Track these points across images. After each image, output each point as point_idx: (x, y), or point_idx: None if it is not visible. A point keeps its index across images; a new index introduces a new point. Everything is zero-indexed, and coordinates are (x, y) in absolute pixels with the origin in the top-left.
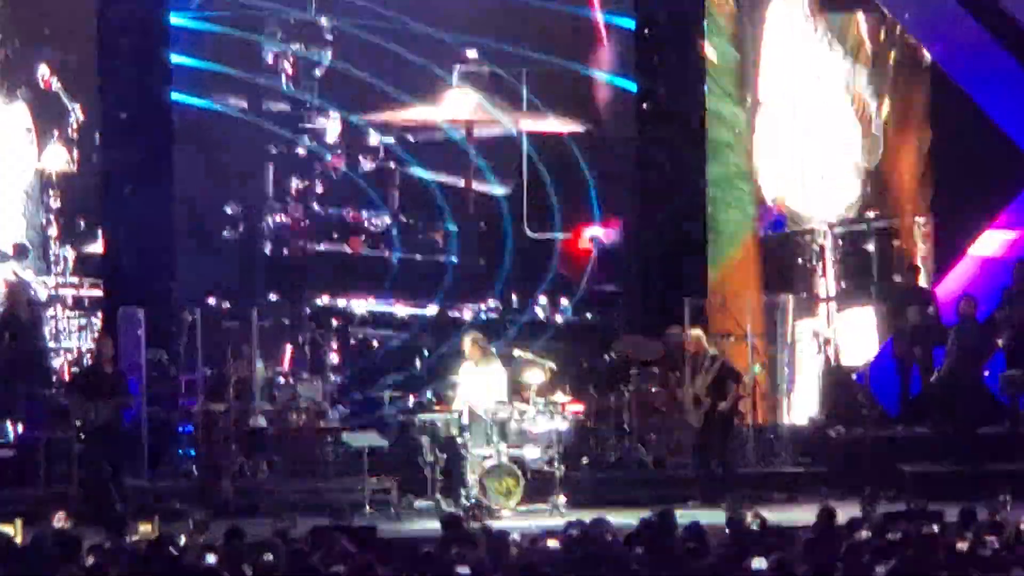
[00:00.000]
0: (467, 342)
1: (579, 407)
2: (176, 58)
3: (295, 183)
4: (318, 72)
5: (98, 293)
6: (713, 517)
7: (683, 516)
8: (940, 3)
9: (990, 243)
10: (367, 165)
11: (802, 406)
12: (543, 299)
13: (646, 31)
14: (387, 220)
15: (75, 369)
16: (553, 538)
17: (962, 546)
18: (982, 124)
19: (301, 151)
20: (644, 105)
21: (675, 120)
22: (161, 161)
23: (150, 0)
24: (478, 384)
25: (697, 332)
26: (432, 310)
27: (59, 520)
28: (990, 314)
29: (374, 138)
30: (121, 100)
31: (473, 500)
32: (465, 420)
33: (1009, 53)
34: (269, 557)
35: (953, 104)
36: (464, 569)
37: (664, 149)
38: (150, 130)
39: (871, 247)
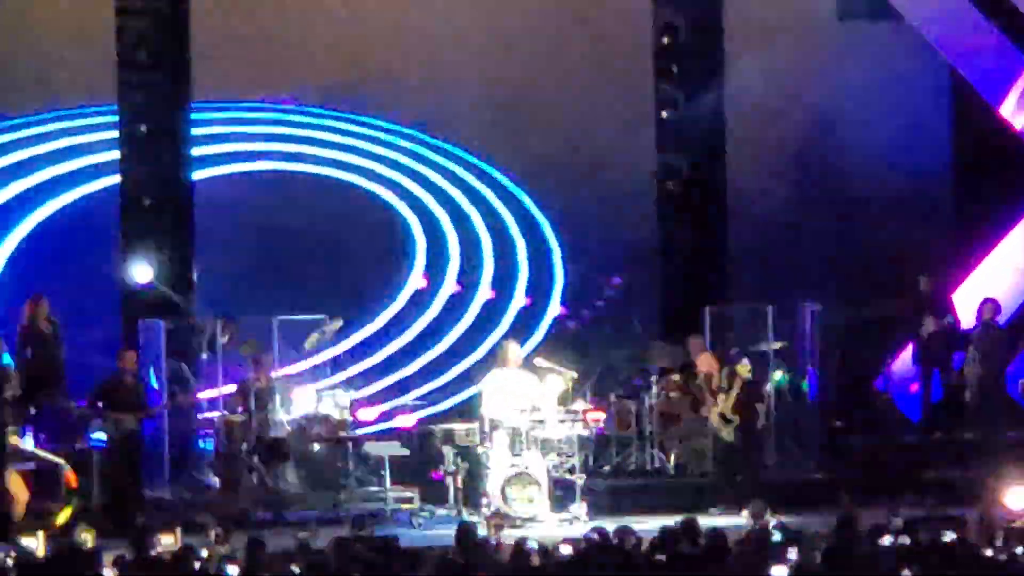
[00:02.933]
0: (512, 348)
1: (600, 415)
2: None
3: None
4: None
5: None
6: (734, 524)
7: (704, 523)
8: (959, 10)
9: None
10: None
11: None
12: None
13: (665, 39)
14: None
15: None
16: (573, 546)
17: (987, 553)
18: (1003, 130)
19: None
20: (664, 113)
21: (695, 128)
22: (181, 172)
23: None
24: (523, 390)
25: (705, 355)
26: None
27: (81, 532)
28: (1013, 319)
29: None
30: (140, 113)
31: (494, 509)
32: (487, 428)
33: None
34: (293, 568)
35: (973, 111)
36: None
37: (684, 156)
38: (169, 143)
39: None
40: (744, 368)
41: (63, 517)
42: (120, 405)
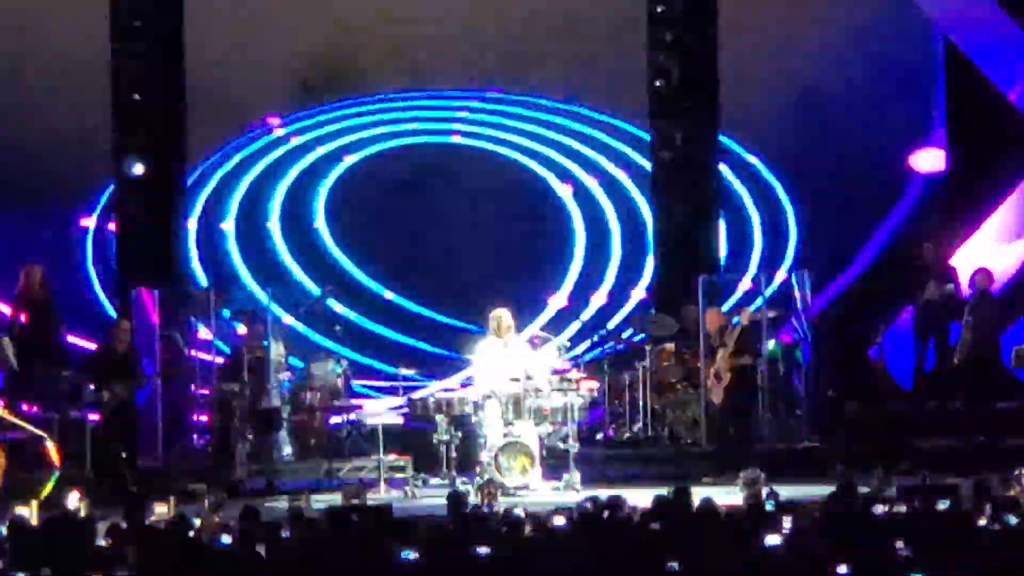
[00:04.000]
0: (505, 317)
1: (593, 384)
2: None
3: None
4: None
5: None
6: (728, 493)
7: (698, 492)
8: None
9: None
10: None
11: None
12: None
13: (659, 7)
14: None
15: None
16: (565, 516)
17: (981, 522)
18: (996, 97)
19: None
20: (657, 82)
21: (690, 96)
22: (172, 135)
23: None
24: (516, 359)
25: (715, 309)
26: None
27: (74, 501)
28: (1007, 289)
29: None
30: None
31: (487, 478)
32: (481, 397)
33: (1021, 26)
34: (284, 533)
35: (966, 79)
36: (483, 549)
37: (678, 126)
38: (162, 104)
39: None
40: (747, 314)
41: (46, 490)
42: (113, 374)
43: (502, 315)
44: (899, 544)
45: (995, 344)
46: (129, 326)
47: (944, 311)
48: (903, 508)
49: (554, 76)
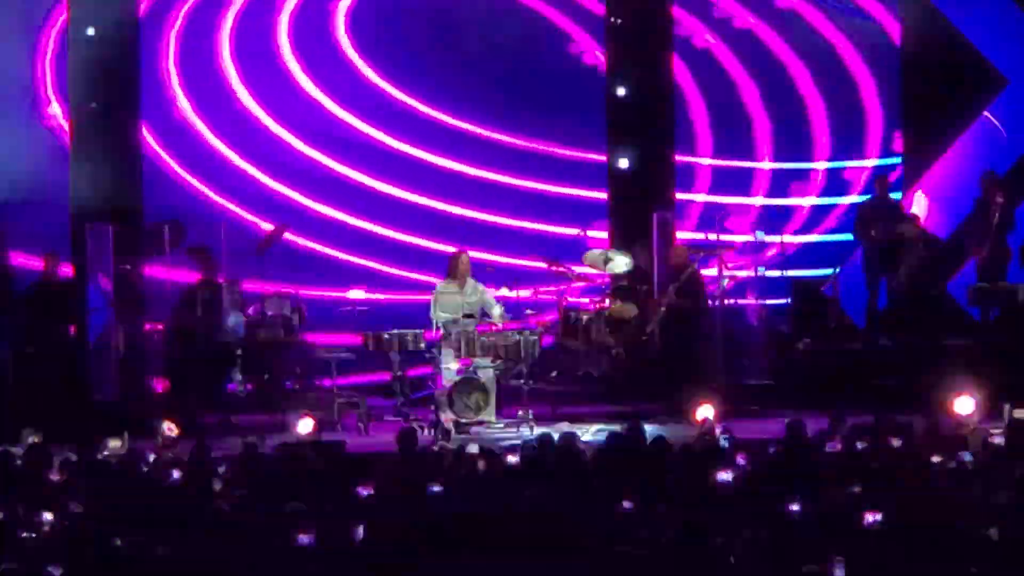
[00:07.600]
0: (463, 260)
1: (548, 321)
2: None
3: None
4: None
5: None
6: (681, 431)
7: (651, 429)
8: None
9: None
10: None
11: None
12: None
13: None
14: None
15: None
16: (519, 453)
17: (934, 459)
18: (950, 35)
19: None
20: (613, 19)
21: (643, 38)
22: (129, 74)
23: None
24: (473, 299)
25: (683, 247)
26: None
27: (29, 436)
28: (960, 225)
29: None
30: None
31: (441, 414)
32: (436, 334)
33: None
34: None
35: (921, 15)
36: (436, 487)
37: (632, 64)
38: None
39: None
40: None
41: None
42: (49, 308)
43: (461, 258)
44: (851, 482)
45: (937, 281)
46: (55, 259)
47: (894, 248)
48: (856, 446)
49: None
